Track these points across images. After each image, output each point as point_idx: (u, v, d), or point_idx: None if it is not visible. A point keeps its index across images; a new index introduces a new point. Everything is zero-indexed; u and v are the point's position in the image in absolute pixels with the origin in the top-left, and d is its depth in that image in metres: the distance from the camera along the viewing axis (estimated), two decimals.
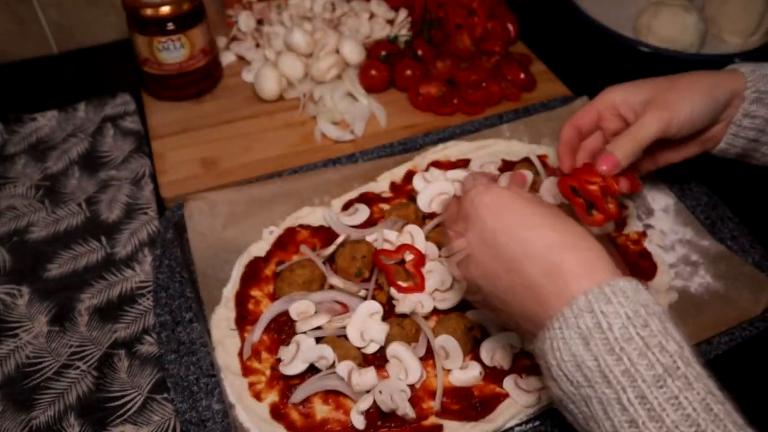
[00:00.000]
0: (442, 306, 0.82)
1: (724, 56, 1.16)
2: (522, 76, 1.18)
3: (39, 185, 1.02)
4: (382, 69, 1.16)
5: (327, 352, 0.76)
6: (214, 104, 1.14)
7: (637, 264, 0.91)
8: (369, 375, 0.74)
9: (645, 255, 0.93)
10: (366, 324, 0.78)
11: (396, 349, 0.77)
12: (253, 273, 0.87)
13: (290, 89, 1.15)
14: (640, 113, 0.82)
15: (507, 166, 1.01)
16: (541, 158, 1.02)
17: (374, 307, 0.80)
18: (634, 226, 0.97)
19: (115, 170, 1.04)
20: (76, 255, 0.92)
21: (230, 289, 0.85)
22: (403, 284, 0.82)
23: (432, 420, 0.74)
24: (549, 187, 0.95)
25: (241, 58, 1.23)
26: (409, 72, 1.16)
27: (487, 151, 1.05)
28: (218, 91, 1.17)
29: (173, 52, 1.08)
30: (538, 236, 0.60)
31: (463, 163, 1.02)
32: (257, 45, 1.25)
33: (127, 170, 1.04)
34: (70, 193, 1.01)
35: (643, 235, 0.96)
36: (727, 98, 0.82)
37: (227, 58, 1.23)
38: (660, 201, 1.00)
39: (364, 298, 0.82)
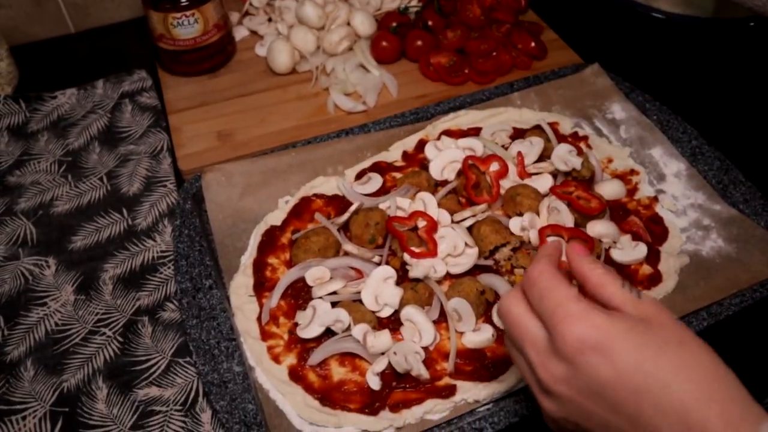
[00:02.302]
0: (454, 270, 0.83)
1: (741, 20, 1.14)
2: (533, 44, 1.18)
3: (61, 161, 1.04)
4: (392, 40, 1.16)
5: (343, 315, 0.78)
6: (229, 78, 1.15)
7: (648, 229, 0.92)
8: (384, 337, 0.76)
9: (656, 220, 0.94)
10: (380, 288, 0.80)
11: (410, 312, 0.79)
12: (270, 241, 0.88)
13: (303, 62, 1.16)
14: None
15: (518, 133, 1.02)
16: (552, 126, 1.03)
17: (388, 271, 0.81)
18: (645, 191, 0.97)
19: (134, 145, 1.06)
20: (98, 227, 0.95)
21: (248, 257, 0.87)
22: (416, 250, 0.83)
23: (446, 380, 0.76)
24: (560, 154, 0.96)
25: (254, 33, 1.24)
26: (419, 42, 1.16)
27: (498, 119, 1.06)
28: (232, 66, 1.18)
29: (187, 28, 1.10)
30: (667, 386, 0.48)
31: (475, 132, 1.03)
32: (269, 19, 1.26)
33: (145, 144, 1.06)
34: (91, 168, 1.03)
35: (655, 200, 0.96)
36: None
37: (240, 33, 1.24)
38: (672, 166, 1.00)
39: (378, 264, 0.84)
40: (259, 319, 0.81)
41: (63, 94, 1.15)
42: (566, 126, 1.06)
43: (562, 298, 0.53)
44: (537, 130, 1.02)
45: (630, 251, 0.88)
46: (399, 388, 0.75)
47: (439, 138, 1.01)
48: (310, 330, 0.78)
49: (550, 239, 0.73)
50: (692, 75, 1.19)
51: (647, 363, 0.49)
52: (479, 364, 0.77)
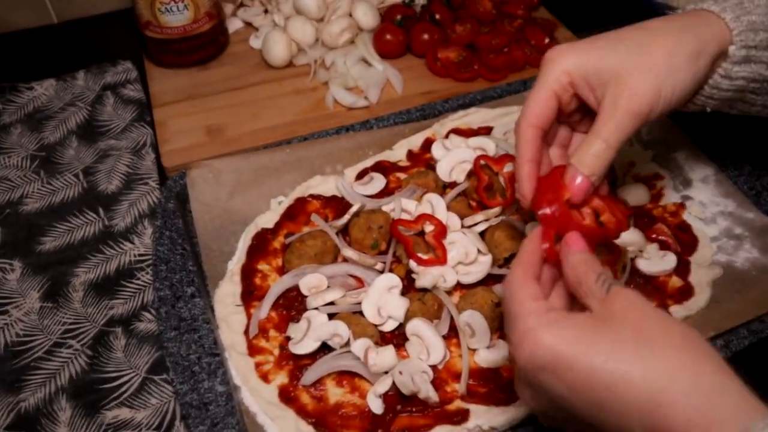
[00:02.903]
0: (466, 280, 0.75)
1: None
2: (547, 41, 1.11)
3: (34, 155, 0.96)
4: (397, 33, 1.09)
5: (341, 329, 0.70)
6: (220, 71, 1.08)
7: (676, 237, 0.84)
8: (387, 354, 0.68)
9: (684, 228, 0.86)
10: (383, 299, 0.72)
11: (417, 325, 0.70)
12: (261, 245, 0.81)
13: (300, 55, 1.09)
14: (600, 94, 0.63)
15: None
16: None
17: (392, 280, 0.73)
18: (671, 198, 0.90)
19: (115, 140, 0.98)
20: (71, 227, 0.86)
21: (236, 263, 0.79)
22: (424, 256, 0.75)
23: (457, 404, 0.68)
24: None
25: (249, 25, 1.17)
26: (426, 36, 1.09)
27: (510, 118, 0.98)
28: (224, 58, 1.11)
29: (176, 15, 1.02)
30: (621, 398, 0.47)
31: (485, 131, 0.95)
32: (265, 11, 1.18)
33: (127, 139, 0.98)
34: (66, 164, 0.95)
35: (681, 206, 0.88)
36: (711, 62, 0.65)
37: (234, 25, 1.16)
38: (698, 171, 0.92)
39: (381, 272, 0.76)
40: (246, 332, 0.73)
41: (40, 85, 1.07)
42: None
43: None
44: None
45: (658, 261, 0.80)
46: (404, 413, 0.68)
47: (447, 137, 0.93)
48: (303, 345, 0.70)
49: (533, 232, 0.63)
50: None
51: (597, 372, 0.48)
52: (495, 386, 0.69)
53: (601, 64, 0.63)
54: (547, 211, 0.62)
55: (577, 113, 0.70)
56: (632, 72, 0.62)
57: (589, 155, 0.63)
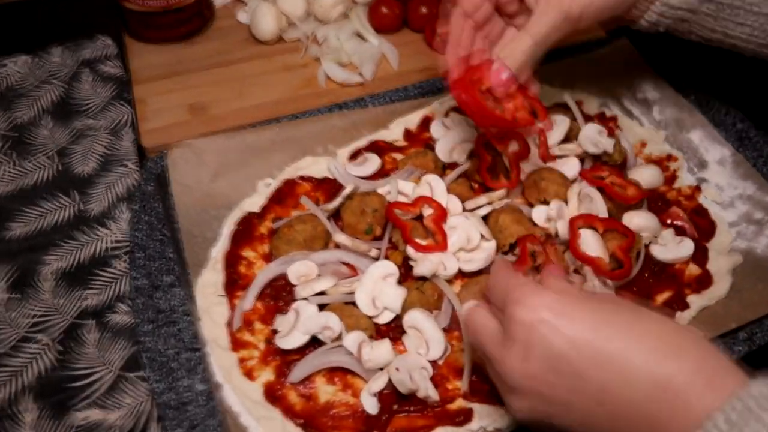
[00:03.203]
0: (467, 268, 0.70)
1: None
2: None
3: (5, 136, 0.89)
4: (394, 6, 1.03)
5: (332, 321, 0.65)
6: (205, 47, 1.01)
7: (693, 222, 0.79)
8: (383, 349, 0.64)
9: (701, 212, 0.81)
10: (378, 288, 0.67)
11: (415, 317, 0.65)
12: (246, 230, 0.76)
13: (291, 29, 1.02)
14: None
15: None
16: (577, 104, 0.89)
17: (388, 268, 0.68)
18: (685, 180, 0.85)
19: (92, 119, 0.92)
20: (43, 212, 0.80)
21: (219, 250, 0.74)
22: (422, 242, 0.70)
23: (459, 403, 0.63)
24: (589, 134, 0.82)
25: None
26: (424, 10, 1.03)
27: None
28: (210, 33, 1.04)
29: None
30: (627, 349, 0.46)
31: None
32: None
33: (105, 119, 0.92)
34: (40, 145, 0.88)
35: (697, 189, 0.83)
36: None
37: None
38: (714, 152, 0.87)
39: (376, 259, 0.71)
40: (229, 324, 0.68)
41: (13, 62, 1.00)
42: (592, 106, 0.93)
43: (513, 285, 0.52)
44: (559, 108, 0.89)
45: (674, 247, 0.76)
46: (401, 413, 0.63)
47: (447, 115, 0.87)
48: (291, 339, 0.65)
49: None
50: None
51: (602, 327, 0.47)
52: None
53: None
54: (462, 94, 0.68)
55: (523, 13, 0.72)
56: None
57: (517, 50, 0.67)
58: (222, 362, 0.65)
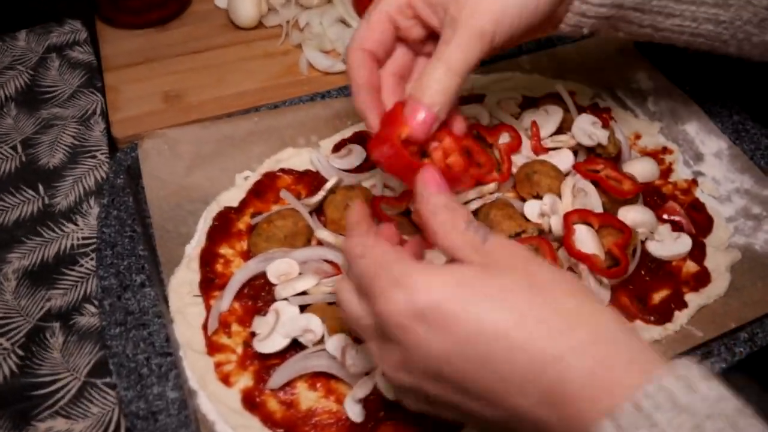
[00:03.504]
0: None
1: None
2: None
3: None
4: None
5: (314, 323, 0.62)
6: (181, 32, 0.98)
7: (689, 217, 0.76)
8: (368, 353, 0.59)
9: (698, 207, 0.79)
10: None
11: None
12: (223, 226, 0.72)
13: (271, 15, 0.99)
14: (442, 14, 0.57)
15: (528, 102, 0.86)
16: (571, 94, 0.86)
17: None
18: (681, 173, 0.83)
19: (60, 107, 0.88)
20: (5, 207, 0.76)
21: (194, 247, 0.71)
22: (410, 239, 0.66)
23: None
24: (583, 125, 0.79)
25: None
26: None
27: (504, 85, 0.90)
28: (186, 18, 1.00)
29: None
30: (512, 349, 0.40)
31: (478, 98, 0.86)
32: None
33: (74, 107, 0.88)
34: (3, 135, 0.84)
35: (693, 183, 0.81)
36: None
37: None
38: (711, 144, 0.85)
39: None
40: (205, 326, 0.65)
41: None
42: (584, 96, 0.90)
43: (377, 268, 0.44)
44: (551, 98, 0.86)
45: (671, 244, 0.73)
46: (389, 420, 0.60)
47: None
48: (271, 342, 0.61)
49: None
50: None
51: (486, 319, 0.41)
52: None
53: None
54: (381, 151, 0.56)
55: (430, 41, 0.62)
56: None
57: (431, 82, 0.56)
58: (196, 367, 0.61)
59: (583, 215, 0.69)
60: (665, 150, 0.85)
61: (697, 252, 0.73)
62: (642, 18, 0.64)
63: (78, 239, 0.73)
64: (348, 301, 0.48)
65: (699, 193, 0.80)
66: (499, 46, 0.57)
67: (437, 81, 0.56)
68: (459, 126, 0.61)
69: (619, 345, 0.41)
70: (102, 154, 0.82)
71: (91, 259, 0.71)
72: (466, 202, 0.72)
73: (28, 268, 0.70)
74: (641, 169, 0.79)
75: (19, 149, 0.82)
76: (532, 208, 0.72)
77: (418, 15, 0.59)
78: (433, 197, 0.48)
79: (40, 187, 0.78)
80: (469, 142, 0.62)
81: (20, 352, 0.64)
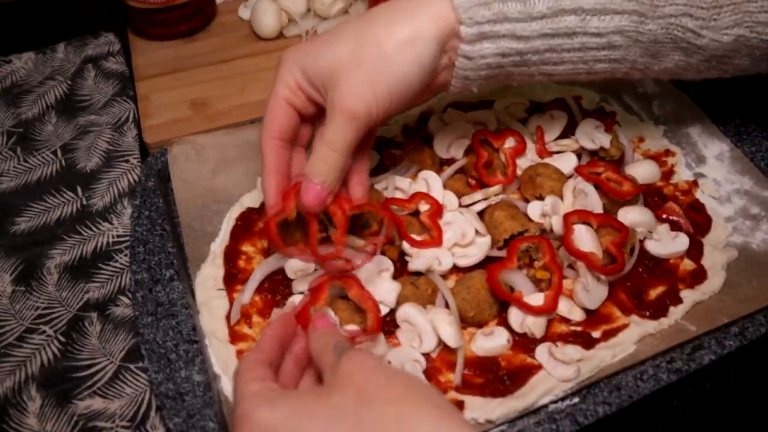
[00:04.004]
0: (462, 263, 0.71)
1: None
2: None
3: (11, 132, 0.91)
4: None
5: (328, 314, 0.64)
6: (207, 43, 1.03)
7: (688, 217, 0.79)
8: (377, 342, 0.64)
9: (697, 207, 0.81)
10: (374, 283, 0.67)
11: (408, 311, 0.65)
12: (246, 226, 0.76)
13: (291, 26, 1.03)
14: (325, 95, 0.61)
15: (535, 107, 0.89)
16: (576, 99, 0.89)
17: (383, 263, 0.69)
18: (683, 175, 0.85)
19: (96, 115, 0.93)
20: (48, 207, 0.82)
21: (219, 244, 0.75)
22: (417, 238, 0.70)
23: (451, 395, 0.63)
24: (586, 129, 0.83)
25: None
26: None
27: (513, 90, 0.93)
28: (211, 29, 1.05)
29: None
30: None
31: (485, 105, 0.89)
32: None
33: (108, 115, 0.93)
34: (44, 141, 0.90)
35: (694, 184, 0.83)
36: (438, 46, 0.60)
37: None
38: (713, 147, 0.87)
39: (372, 254, 0.71)
40: (228, 317, 0.69)
41: (19, 58, 1.02)
42: (590, 101, 0.93)
43: (237, 402, 0.49)
44: (557, 104, 0.89)
45: (668, 243, 0.75)
46: None
47: (445, 110, 0.88)
48: None
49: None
50: None
51: None
52: (492, 376, 0.64)
53: (320, 63, 0.60)
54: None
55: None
56: (344, 71, 0.58)
57: (317, 162, 0.60)
58: (220, 354, 0.65)
59: (582, 215, 0.73)
60: (668, 152, 0.87)
61: (695, 251, 0.75)
62: (529, 70, 0.65)
63: (113, 237, 0.78)
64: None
65: (699, 194, 0.82)
66: (381, 119, 0.61)
67: (322, 160, 0.60)
68: (360, 192, 0.67)
69: None
70: (134, 158, 0.87)
71: (125, 255, 0.76)
72: (472, 204, 0.76)
73: (68, 263, 0.76)
74: (643, 171, 0.81)
75: (59, 154, 0.88)
76: (534, 209, 0.75)
77: (308, 96, 0.63)
78: (318, 331, 0.55)
79: (79, 189, 0.84)
80: (364, 206, 0.67)
81: (62, 339, 0.69)
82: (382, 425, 0.43)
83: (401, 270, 0.71)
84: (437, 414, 0.44)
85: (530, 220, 0.75)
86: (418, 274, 0.70)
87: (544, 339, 0.67)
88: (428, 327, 0.65)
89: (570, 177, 0.79)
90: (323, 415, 0.44)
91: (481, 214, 0.76)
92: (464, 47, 0.61)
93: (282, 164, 0.65)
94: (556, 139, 0.84)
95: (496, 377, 0.64)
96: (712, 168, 0.85)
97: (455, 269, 0.72)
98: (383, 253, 0.71)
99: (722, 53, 0.68)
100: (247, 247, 0.74)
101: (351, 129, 0.59)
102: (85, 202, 0.82)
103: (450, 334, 0.63)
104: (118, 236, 0.78)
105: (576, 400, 0.63)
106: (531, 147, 0.82)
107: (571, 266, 0.72)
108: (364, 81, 0.58)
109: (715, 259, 0.75)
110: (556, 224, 0.73)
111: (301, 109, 0.65)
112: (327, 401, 0.46)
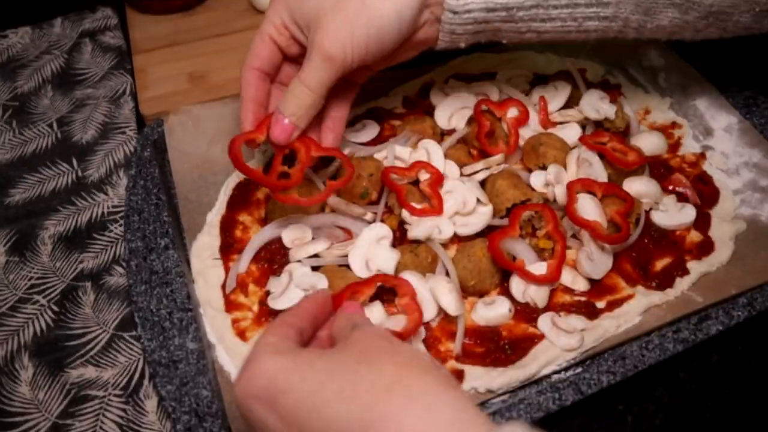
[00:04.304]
0: (463, 231, 0.69)
1: None
2: None
3: (6, 105, 0.90)
4: None
5: (322, 282, 0.64)
6: (205, 17, 1.01)
7: (696, 189, 0.77)
8: (375, 312, 0.62)
9: (705, 179, 0.79)
10: (372, 251, 0.66)
11: (407, 279, 0.64)
12: (243, 196, 0.75)
13: None
14: (308, 36, 0.63)
15: (538, 79, 0.87)
16: (580, 72, 0.87)
17: (382, 230, 0.67)
18: (690, 147, 0.83)
19: (92, 88, 0.92)
20: (42, 179, 0.81)
21: (215, 214, 0.74)
22: (417, 206, 0.69)
23: (452, 365, 0.62)
24: (591, 100, 0.81)
25: None
26: None
27: (516, 64, 0.91)
28: (209, 3, 1.04)
29: None
30: (329, 419, 0.42)
31: (489, 77, 0.88)
32: None
33: (105, 88, 0.92)
34: (40, 114, 0.89)
35: (702, 156, 0.81)
36: (417, 2, 0.61)
37: None
38: (721, 119, 0.85)
39: (372, 223, 0.69)
40: (224, 286, 0.67)
41: (15, 33, 1.00)
42: (595, 74, 0.91)
43: (250, 352, 0.47)
44: (562, 75, 0.87)
45: (675, 214, 0.74)
46: None
47: (446, 81, 0.86)
48: (284, 300, 0.64)
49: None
50: None
51: (309, 396, 0.42)
52: (493, 345, 0.63)
53: (306, 5, 0.62)
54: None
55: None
56: (327, 13, 0.60)
57: (291, 98, 0.63)
58: (215, 323, 0.64)
59: (586, 184, 0.71)
60: (674, 125, 0.85)
61: (702, 222, 0.74)
62: (517, 26, 0.65)
63: (108, 207, 0.77)
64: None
65: (707, 167, 0.80)
66: (357, 64, 0.62)
67: (296, 97, 0.62)
68: (330, 139, 0.69)
69: (439, 407, 0.41)
70: (131, 130, 0.86)
71: (120, 225, 0.75)
72: (474, 173, 0.75)
73: (63, 234, 0.75)
74: (648, 142, 0.80)
75: (55, 127, 0.87)
76: (537, 178, 0.74)
77: (292, 35, 0.65)
78: (344, 314, 0.53)
79: (74, 161, 0.83)
80: (330, 150, 0.68)
81: (55, 308, 0.68)
82: (377, 380, 0.42)
83: (401, 239, 0.70)
84: (434, 382, 0.43)
85: (533, 189, 0.73)
86: (418, 242, 0.68)
87: (546, 309, 0.66)
88: (427, 295, 0.63)
89: (574, 148, 0.77)
90: (322, 369, 0.43)
91: (482, 183, 0.74)
92: (450, 1, 0.61)
93: (260, 95, 0.66)
94: (559, 110, 0.82)
95: (497, 347, 0.63)
96: (720, 140, 0.83)
97: (456, 239, 0.70)
98: (383, 222, 0.70)
99: (718, 9, 0.66)
100: (243, 217, 0.73)
101: (326, 70, 0.61)
102: (80, 174, 0.81)
103: (449, 301, 0.62)
104: (113, 207, 0.77)
105: (579, 370, 0.62)
106: (534, 118, 0.80)
107: (574, 236, 0.70)
108: (344, 26, 0.59)
109: (722, 230, 0.74)
110: (560, 194, 0.71)
111: (284, 47, 0.66)
112: (329, 357, 0.45)
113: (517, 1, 0.62)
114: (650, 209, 0.74)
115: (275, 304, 0.64)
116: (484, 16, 0.63)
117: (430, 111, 0.83)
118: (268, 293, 0.66)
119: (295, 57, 0.68)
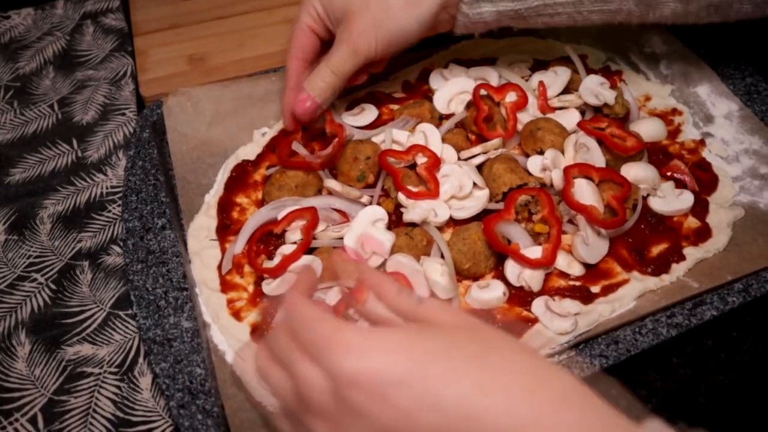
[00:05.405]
0: (459, 215, 0.69)
1: None
2: None
3: (8, 86, 0.90)
4: None
5: (316, 264, 0.64)
6: (206, 0, 1.01)
7: (694, 175, 0.77)
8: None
9: (704, 166, 0.79)
10: (368, 232, 0.66)
11: (399, 261, 0.64)
12: (241, 177, 0.75)
13: None
14: (339, 31, 0.71)
15: (539, 65, 0.87)
16: (581, 58, 0.87)
17: (377, 213, 0.67)
18: (690, 134, 0.82)
19: (93, 70, 0.92)
20: (42, 159, 0.81)
21: (213, 195, 0.74)
22: (414, 189, 0.69)
23: None
24: (590, 86, 0.80)
25: None
26: None
27: (517, 49, 0.91)
28: None
29: None
30: (471, 419, 0.36)
31: (489, 62, 0.87)
32: None
33: (106, 69, 0.92)
34: (42, 95, 0.89)
35: (701, 143, 0.81)
36: (437, 10, 0.69)
37: None
38: (721, 106, 0.84)
39: (368, 205, 0.70)
40: (220, 267, 0.68)
41: (18, 14, 1.01)
42: (596, 60, 0.90)
43: (311, 321, 0.41)
44: (562, 61, 0.86)
45: (673, 200, 0.73)
46: None
47: (446, 66, 0.86)
48: (277, 283, 0.64)
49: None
50: None
51: (440, 388, 0.37)
52: None
53: (336, 2, 0.70)
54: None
55: None
56: (355, 12, 0.68)
57: (317, 80, 0.71)
58: (210, 303, 0.65)
59: (583, 169, 0.71)
60: (674, 111, 0.85)
61: (700, 209, 0.73)
62: (528, 23, 0.73)
63: (107, 188, 0.78)
64: (276, 369, 0.45)
65: (706, 153, 0.80)
66: (380, 58, 0.71)
67: (323, 80, 0.70)
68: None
69: (585, 410, 0.37)
70: (131, 112, 0.86)
71: (118, 205, 0.75)
72: (471, 157, 0.74)
73: (61, 213, 0.75)
74: (648, 128, 0.79)
75: (56, 108, 0.87)
76: (534, 163, 0.73)
77: (327, 26, 0.72)
78: (364, 266, 0.52)
79: (74, 142, 0.83)
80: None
81: (53, 287, 0.68)
82: (469, 343, 0.39)
83: (397, 222, 0.70)
84: (518, 347, 0.41)
85: (530, 173, 0.73)
86: (414, 225, 0.68)
87: (541, 293, 0.66)
88: (421, 279, 0.63)
89: (572, 133, 0.77)
90: (441, 352, 0.38)
91: (480, 168, 0.74)
92: (465, 9, 0.70)
93: (301, 82, 0.73)
94: (558, 95, 0.82)
95: None
96: (720, 127, 0.83)
97: (452, 222, 0.70)
98: (379, 204, 0.70)
99: (719, 0, 0.66)
100: (241, 199, 0.73)
101: (352, 60, 0.70)
102: (80, 154, 0.81)
103: (442, 283, 0.62)
104: (112, 187, 0.78)
105: (572, 353, 0.62)
106: (533, 103, 0.80)
107: (571, 221, 0.70)
108: (370, 26, 0.68)
109: (720, 217, 0.73)
110: (557, 178, 0.71)
111: (322, 36, 0.74)
112: (442, 337, 0.40)
113: (526, 6, 0.70)
114: (648, 195, 0.74)
115: (269, 290, 0.64)
116: (496, 19, 0.71)
117: (429, 95, 0.83)
118: (262, 277, 0.66)
119: (329, 44, 0.73)
